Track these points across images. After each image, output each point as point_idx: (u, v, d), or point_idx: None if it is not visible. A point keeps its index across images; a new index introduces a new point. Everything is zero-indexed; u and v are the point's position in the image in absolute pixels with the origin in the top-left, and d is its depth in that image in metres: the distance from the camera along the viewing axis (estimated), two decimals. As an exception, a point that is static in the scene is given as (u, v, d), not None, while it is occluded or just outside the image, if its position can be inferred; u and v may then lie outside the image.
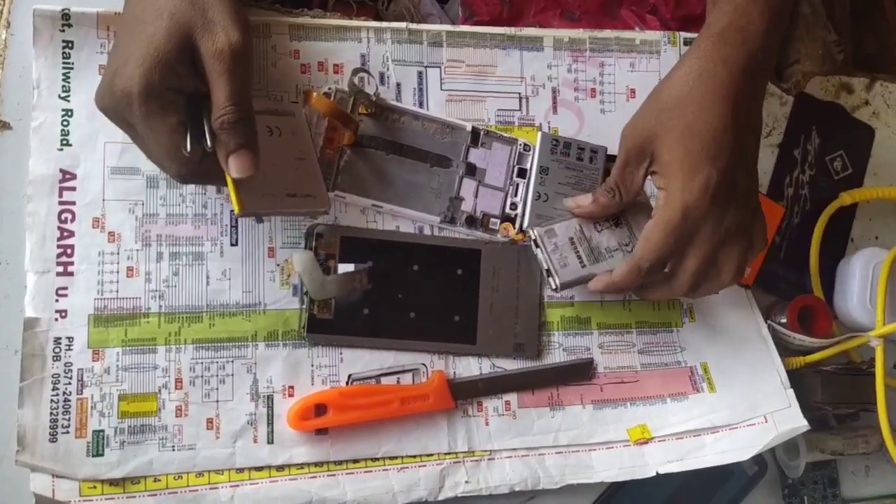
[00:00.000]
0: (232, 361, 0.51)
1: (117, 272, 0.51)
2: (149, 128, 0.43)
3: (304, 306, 0.53)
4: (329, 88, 0.55)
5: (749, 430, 0.55)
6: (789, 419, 0.55)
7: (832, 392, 0.57)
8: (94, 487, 0.48)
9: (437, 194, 0.56)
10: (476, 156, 0.57)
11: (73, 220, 0.50)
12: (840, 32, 0.75)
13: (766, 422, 0.55)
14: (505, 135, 0.58)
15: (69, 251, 0.50)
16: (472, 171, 0.57)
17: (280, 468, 0.51)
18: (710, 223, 0.49)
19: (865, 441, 0.59)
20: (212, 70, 0.43)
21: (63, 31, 0.51)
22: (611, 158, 0.59)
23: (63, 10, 0.51)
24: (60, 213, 0.50)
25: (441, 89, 0.58)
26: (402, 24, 0.59)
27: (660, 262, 0.50)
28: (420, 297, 0.55)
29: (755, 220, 0.51)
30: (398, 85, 0.57)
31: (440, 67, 0.59)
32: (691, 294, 0.52)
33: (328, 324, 0.53)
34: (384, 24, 0.58)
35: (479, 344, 0.55)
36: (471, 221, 0.57)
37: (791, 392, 0.56)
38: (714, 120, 0.48)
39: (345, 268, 0.52)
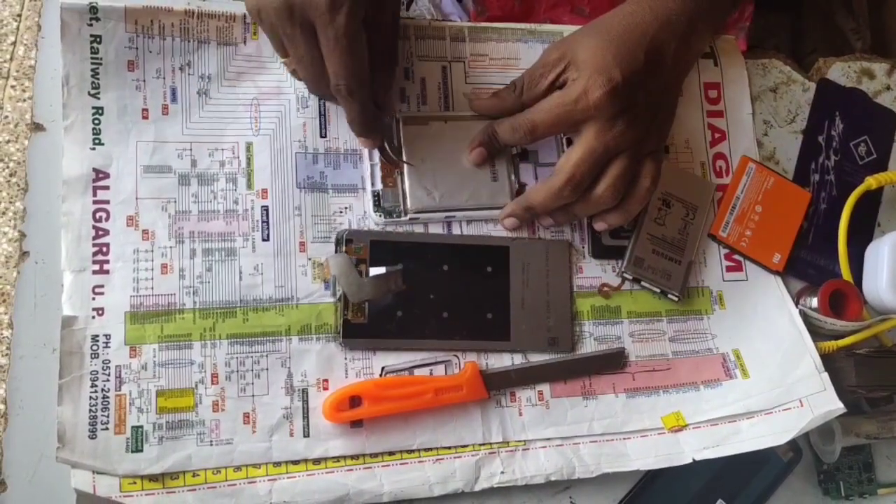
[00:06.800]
0: (266, 356, 0.52)
1: (152, 269, 0.51)
2: (347, 36, 0.47)
3: (338, 312, 0.53)
4: None
5: (785, 415, 0.55)
6: (825, 402, 0.55)
7: (866, 375, 0.57)
8: (134, 483, 0.48)
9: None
10: None
11: (107, 218, 0.51)
12: (857, 19, 0.76)
13: (802, 406, 0.55)
14: None
15: (104, 249, 0.51)
16: (524, 155, 0.57)
17: (317, 461, 0.51)
18: (604, 120, 0.51)
19: (900, 424, 0.59)
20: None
21: (91, 24, 0.52)
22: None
23: (90, 3, 0.52)
24: (95, 212, 0.51)
25: (466, 83, 0.58)
26: (425, 21, 0.59)
27: (552, 129, 0.53)
28: (452, 296, 0.55)
29: (657, 140, 0.55)
30: (423, 80, 0.58)
31: (464, 62, 0.59)
32: (613, 201, 0.54)
33: (363, 328, 0.53)
34: (407, 21, 0.59)
35: (513, 340, 0.55)
36: None
37: (826, 375, 0.56)
38: (629, 39, 0.52)
39: (376, 271, 0.53)
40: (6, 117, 1.35)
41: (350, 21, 0.46)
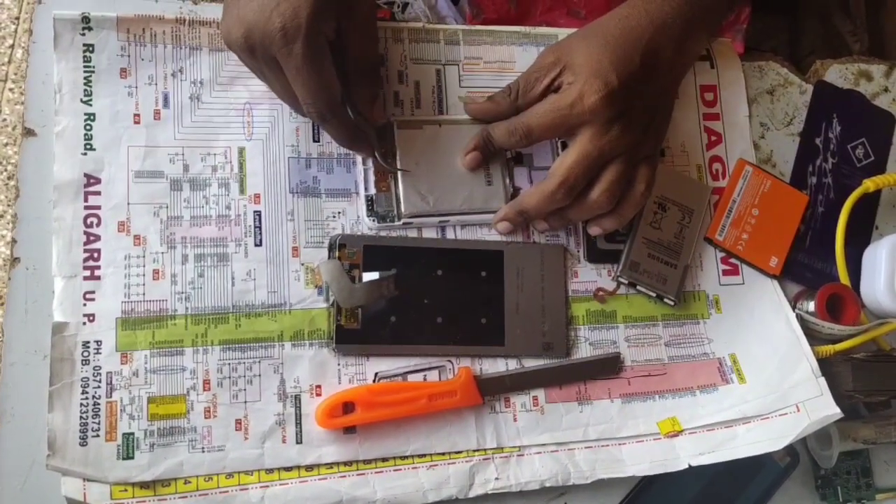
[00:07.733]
0: (259, 362, 0.51)
1: (143, 275, 0.51)
2: (307, 65, 0.46)
3: (332, 318, 0.53)
4: None
5: (781, 420, 0.55)
6: (822, 407, 0.54)
7: (863, 380, 0.56)
8: (125, 490, 0.48)
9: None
10: None
11: (98, 224, 0.51)
12: (855, 21, 0.75)
13: (799, 411, 0.55)
14: None
15: (96, 255, 0.50)
16: (519, 159, 0.57)
17: (309, 468, 0.51)
18: (600, 124, 0.51)
19: (898, 429, 0.58)
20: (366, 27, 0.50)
21: (83, 34, 0.52)
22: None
23: (83, 14, 0.52)
24: (86, 217, 0.51)
25: (460, 86, 0.58)
26: (419, 24, 0.59)
27: (548, 133, 0.53)
28: (446, 301, 0.55)
29: (653, 144, 0.55)
30: (417, 83, 0.58)
31: (458, 65, 0.59)
32: (608, 206, 0.53)
33: (356, 334, 0.53)
34: (401, 24, 0.59)
35: (507, 345, 0.55)
36: None
37: (822, 380, 0.55)
38: (625, 43, 0.52)
39: (370, 276, 0.52)
40: (4, 120, 1.35)
41: (307, 48, 0.46)
